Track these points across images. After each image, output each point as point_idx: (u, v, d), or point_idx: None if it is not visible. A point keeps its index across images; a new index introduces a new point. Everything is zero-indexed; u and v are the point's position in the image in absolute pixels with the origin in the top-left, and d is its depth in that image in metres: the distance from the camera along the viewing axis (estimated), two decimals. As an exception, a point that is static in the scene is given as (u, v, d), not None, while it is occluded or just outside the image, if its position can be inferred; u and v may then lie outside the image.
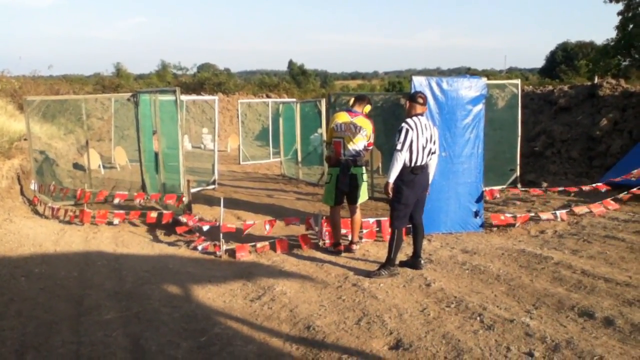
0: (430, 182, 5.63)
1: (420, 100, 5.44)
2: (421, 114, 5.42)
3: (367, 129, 6.29)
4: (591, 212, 7.76)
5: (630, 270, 5.22)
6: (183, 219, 7.55)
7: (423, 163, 5.36)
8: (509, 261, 5.75)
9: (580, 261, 5.59)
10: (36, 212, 8.82)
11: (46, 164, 11.04)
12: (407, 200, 5.37)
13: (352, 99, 6.56)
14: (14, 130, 11.50)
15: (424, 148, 5.32)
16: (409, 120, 5.32)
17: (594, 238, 6.49)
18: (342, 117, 6.32)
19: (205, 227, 7.14)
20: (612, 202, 8.11)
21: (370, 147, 6.47)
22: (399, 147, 5.23)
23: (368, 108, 6.51)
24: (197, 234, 7.28)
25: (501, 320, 4.09)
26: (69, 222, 8.17)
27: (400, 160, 5.24)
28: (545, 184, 10.44)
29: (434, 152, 5.49)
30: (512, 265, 5.61)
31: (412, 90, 6.50)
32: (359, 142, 6.28)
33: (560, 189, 8.91)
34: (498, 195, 8.96)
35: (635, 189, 8.26)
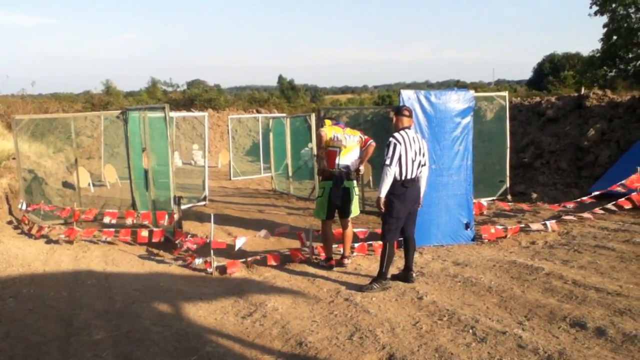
0: (422, 194, 5.65)
1: (407, 113, 5.48)
2: (408, 127, 5.46)
3: (357, 134, 6.43)
4: (581, 220, 7.82)
5: (621, 279, 5.24)
6: (176, 241, 7.51)
7: (413, 176, 5.38)
8: (501, 273, 5.76)
9: (571, 271, 5.60)
10: (25, 232, 8.73)
11: (35, 183, 10.96)
12: (398, 214, 5.38)
13: (328, 121, 6.60)
14: (2, 150, 11.44)
15: (413, 161, 5.34)
16: (396, 134, 5.35)
17: (584, 248, 6.51)
18: (336, 129, 6.36)
19: (194, 246, 7.10)
20: (600, 210, 8.19)
21: (371, 142, 6.40)
22: (387, 162, 5.25)
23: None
24: (189, 251, 7.24)
25: (493, 333, 4.09)
26: (58, 242, 8.10)
27: (390, 174, 5.26)
28: (534, 195, 10.49)
29: (424, 165, 5.52)
30: (504, 276, 5.62)
31: (401, 104, 6.55)
32: (354, 150, 6.35)
33: (546, 206, 9.00)
34: (485, 212, 8.97)
35: (621, 200, 8.32)
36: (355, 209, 6.53)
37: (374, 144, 6.40)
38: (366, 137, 6.48)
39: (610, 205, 8.28)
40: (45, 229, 8.38)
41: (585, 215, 8.06)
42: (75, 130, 10.96)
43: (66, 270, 6.65)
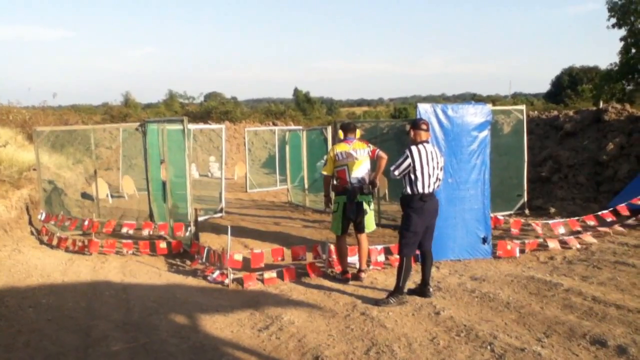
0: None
1: (424, 127, 5.50)
2: (426, 141, 5.47)
3: (366, 148, 6.40)
4: (600, 236, 7.72)
5: (642, 296, 5.16)
6: (195, 255, 7.56)
7: (431, 190, 5.38)
8: (519, 288, 5.70)
9: (590, 288, 5.53)
10: (44, 242, 8.84)
11: (55, 193, 11.10)
12: (416, 228, 5.37)
13: (341, 131, 6.60)
14: (23, 161, 11.58)
15: (430, 176, 5.34)
16: (412, 147, 5.36)
17: (603, 264, 6.43)
18: (341, 147, 6.40)
19: (215, 271, 7.12)
20: (620, 228, 8.08)
21: (378, 152, 6.33)
22: (394, 169, 5.37)
23: (359, 133, 6.62)
24: (206, 264, 7.27)
25: (512, 349, 4.04)
26: (77, 252, 8.19)
27: (392, 173, 5.39)
28: (553, 210, 10.38)
29: (440, 179, 5.52)
30: (522, 292, 5.56)
31: (418, 117, 6.55)
32: (364, 163, 6.36)
33: (564, 223, 8.77)
34: (499, 227, 8.86)
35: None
36: (370, 223, 6.51)
37: (383, 155, 6.31)
38: (373, 147, 6.47)
39: (631, 221, 8.17)
40: (68, 240, 8.47)
41: (605, 230, 7.96)
42: (94, 141, 11.12)
43: (85, 280, 6.72)
